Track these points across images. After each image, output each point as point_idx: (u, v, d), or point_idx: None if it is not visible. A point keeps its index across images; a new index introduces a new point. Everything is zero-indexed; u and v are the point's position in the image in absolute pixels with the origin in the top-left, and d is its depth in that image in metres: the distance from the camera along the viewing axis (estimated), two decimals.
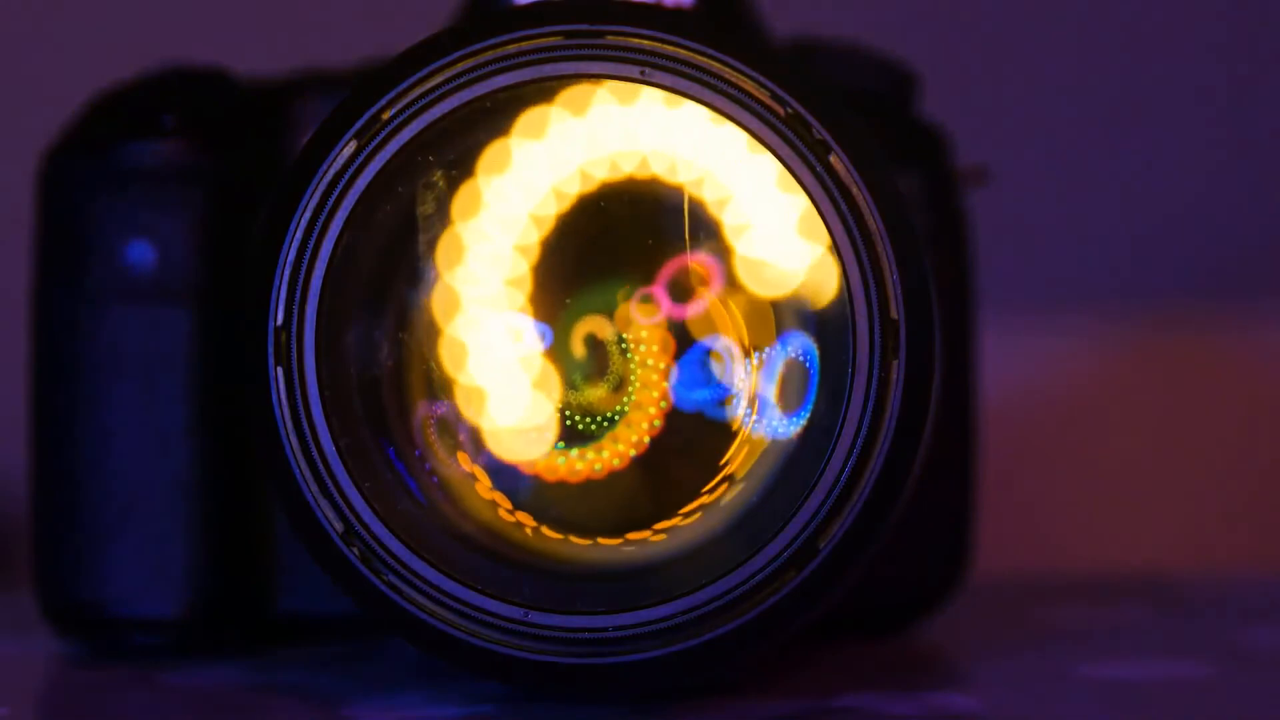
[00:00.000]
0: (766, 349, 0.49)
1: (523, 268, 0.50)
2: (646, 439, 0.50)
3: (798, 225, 0.49)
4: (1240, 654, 0.58)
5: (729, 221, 0.49)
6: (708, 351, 0.49)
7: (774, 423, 0.49)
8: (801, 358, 0.49)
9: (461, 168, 0.49)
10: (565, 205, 0.50)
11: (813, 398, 0.49)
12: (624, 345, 0.50)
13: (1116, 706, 0.51)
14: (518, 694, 0.50)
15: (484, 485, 0.50)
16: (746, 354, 0.49)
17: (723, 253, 0.49)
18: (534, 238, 0.50)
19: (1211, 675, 0.55)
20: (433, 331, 0.50)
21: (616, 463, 0.50)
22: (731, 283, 0.49)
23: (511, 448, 0.50)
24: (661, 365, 0.50)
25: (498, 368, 0.50)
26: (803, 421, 0.49)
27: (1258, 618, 0.65)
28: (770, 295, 0.49)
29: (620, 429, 0.50)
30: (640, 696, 0.49)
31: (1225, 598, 0.70)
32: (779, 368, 0.49)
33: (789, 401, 0.49)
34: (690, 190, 0.49)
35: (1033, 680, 0.54)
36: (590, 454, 0.50)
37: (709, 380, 0.49)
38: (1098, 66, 1.09)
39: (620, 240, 0.50)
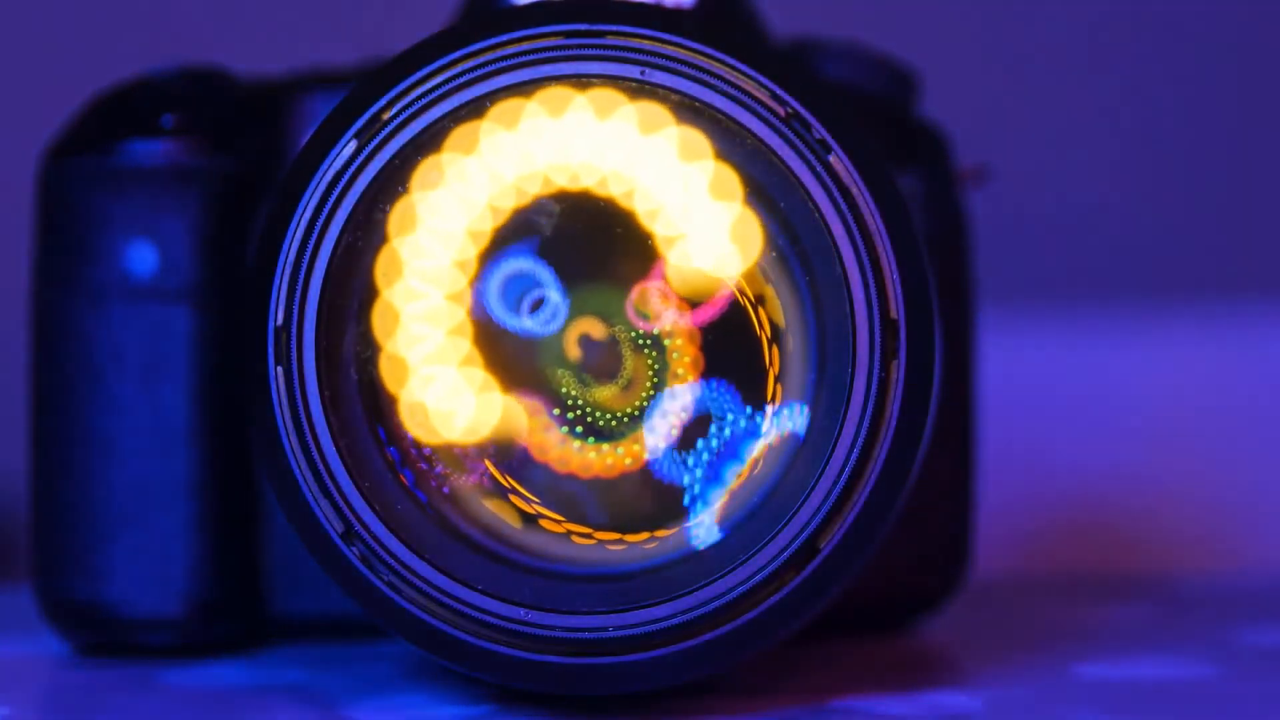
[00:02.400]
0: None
1: (461, 283, 0.50)
2: (663, 445, 0.49)
3: (709, 188, 0.48)
4: (1240, 654, 0.58)
5: (660, 232, 0.49)
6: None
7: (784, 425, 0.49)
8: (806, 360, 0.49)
9: (400, 183, 0.49)
10: (501, 220, 0.49)
11: (812, 398, 0.49)
12: (641, 342, 0.49)
13: (1116, 706, 0.51)
14: (517, 694, 0.50)
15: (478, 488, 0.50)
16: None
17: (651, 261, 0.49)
18: (471, 252, 0.50)
19: (1211, 675, 0.55)
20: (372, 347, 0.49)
21: (629, 462, 0.50)
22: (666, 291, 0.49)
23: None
24: (690, 375, 0.49)
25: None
26: (804, 423, 0.49)
27: (1258, 618, 0.65)
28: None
29: (643, 431, 0.49)
30: (640, 696, 0.49)
31: (1225, 598, 0.70)
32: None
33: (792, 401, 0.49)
34: (641, 221, 0.49)
35: (1033, 680, 0.54)
36: (607, 451, 0.49)
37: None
38: (1097, 66, 1.09)
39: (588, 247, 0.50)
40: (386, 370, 0.49)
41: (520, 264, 0.49)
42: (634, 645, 0.47)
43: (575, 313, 0.50)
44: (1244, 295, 1.05)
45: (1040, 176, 1.07)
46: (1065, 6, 1.09)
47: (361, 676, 0.54)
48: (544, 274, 0.50)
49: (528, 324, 0.49)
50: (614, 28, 0.48)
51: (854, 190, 0.47)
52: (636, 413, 0.49)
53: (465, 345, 0.50)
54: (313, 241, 0.48)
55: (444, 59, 0.48)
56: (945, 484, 0.58)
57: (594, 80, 0.48)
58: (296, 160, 0.48)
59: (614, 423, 0.50)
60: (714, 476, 0.49)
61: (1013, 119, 1.07)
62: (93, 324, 0.55)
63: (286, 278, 0.48)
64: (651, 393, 0.49)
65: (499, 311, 0.49)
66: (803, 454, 0.48)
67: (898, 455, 0.47)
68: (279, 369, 0.48)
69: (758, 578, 0.47)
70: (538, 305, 0.49)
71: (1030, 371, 1.01)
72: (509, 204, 0.49)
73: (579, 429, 0.49)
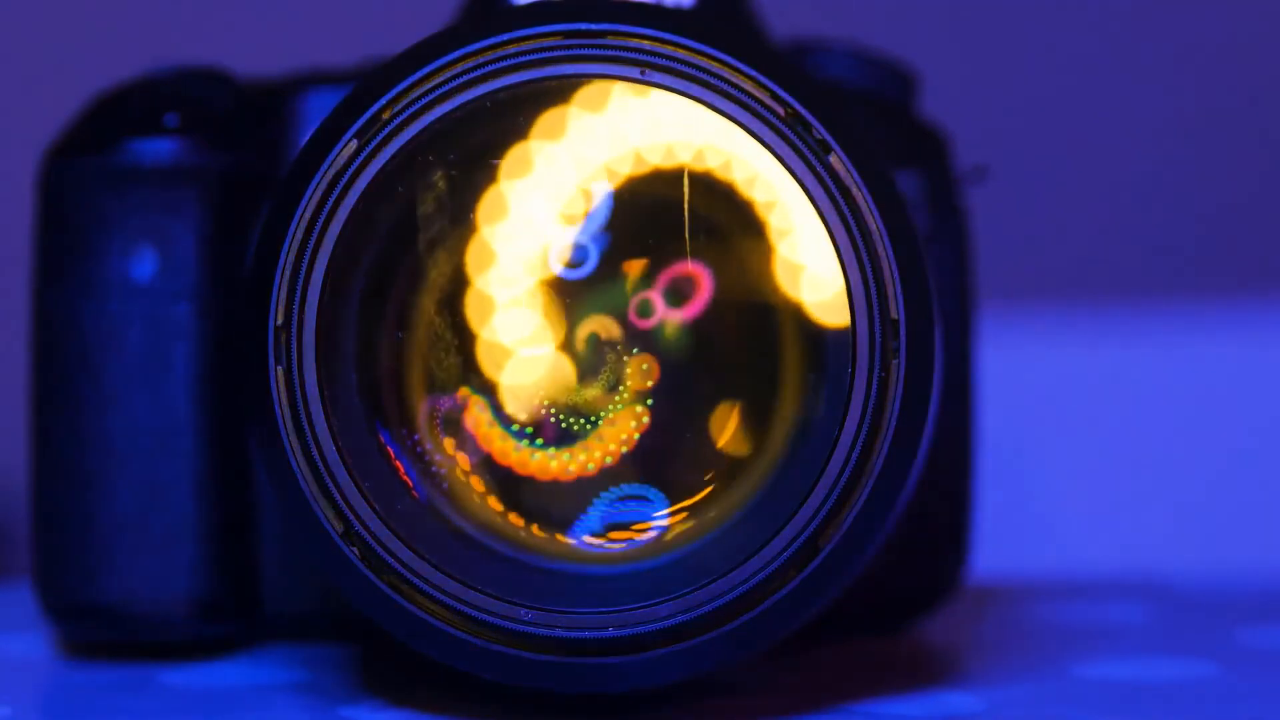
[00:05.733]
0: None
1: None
2: (636, 435, 0.49)
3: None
4: (1240, 654, 0.58)
5: (775, 223, 0.49)
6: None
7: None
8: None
9: (481, 172, 0.49)
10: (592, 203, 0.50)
11: (812, 399, 0.49)
12: (628, 348, 0.49)
13: (1116, 706, 0.51)
14: (517, 694, 0.50)
15: (478, 488, 0.50)
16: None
17: (764, 253, 0.49)
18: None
19: (1211, 675, 0.55)
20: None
21: (609, 460, 0.50)
22: (771, 285, 0.49)
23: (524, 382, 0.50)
24: (646, 369, 0.49)
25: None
26: (803, 423, 0.49)
27: (1258, 618, 0.65)
28: (808, 301, 0.49)
29: (604, 428, 0.49)
30: (640, 696, 0.49)
31: (1225, 598, 0.70)
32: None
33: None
34: (741, 189, 0.49)
35: (1033, 680, 0.54)
36: (581, 454, 0.49)
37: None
38: (1098, 65, 1.09)
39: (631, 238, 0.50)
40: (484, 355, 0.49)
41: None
42: (634, 645, 0.47)
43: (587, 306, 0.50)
44: (1245, 294, 1.05)
45: (1040, 176, 1.07)
46: (1065, 6, 1.09)
47: (361, 677, 0.54)
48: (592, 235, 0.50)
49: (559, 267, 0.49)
50: (614, 28, 0.48)
51: (854, 190, 0.47)
52: (605, 414, 0.50)
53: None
54: (313, 241, 0.48)
55: (444, 59, 0.48)
56: (945, 484, 0.58)
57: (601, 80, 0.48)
58: (297, 160, 0.48)
59: (586, 425, 0.50)
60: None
61: (1013, 119, 1.07)
62: (93, 324, 0.55)
63: (286, 278, 0.48)
64: (628, 397, 0.49)
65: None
66: (803, 454, 0.48)
67: (898, 455, 0.47)
68: (279, 369, 0.48)
69: (758, 578, 0.47)
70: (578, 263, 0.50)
71: (1030, 371, 1.01)
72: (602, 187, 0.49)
73: (540, 440, 0.50)
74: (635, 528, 0.49)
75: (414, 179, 0.49)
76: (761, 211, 0.49)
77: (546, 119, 0.49)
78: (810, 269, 0.49)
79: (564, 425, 0.50)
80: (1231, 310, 1.04)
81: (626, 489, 0.49)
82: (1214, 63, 1.09)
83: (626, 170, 0.49)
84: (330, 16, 1.05)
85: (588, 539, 0.50)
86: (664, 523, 0.49)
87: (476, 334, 0.50)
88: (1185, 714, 0.51)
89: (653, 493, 0.49)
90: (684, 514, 0.49)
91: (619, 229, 0.49)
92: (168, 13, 1.07)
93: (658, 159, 0.49)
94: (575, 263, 0.49)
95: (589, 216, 0.49)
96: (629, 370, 0.49)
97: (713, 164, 0.49)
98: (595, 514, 0.49)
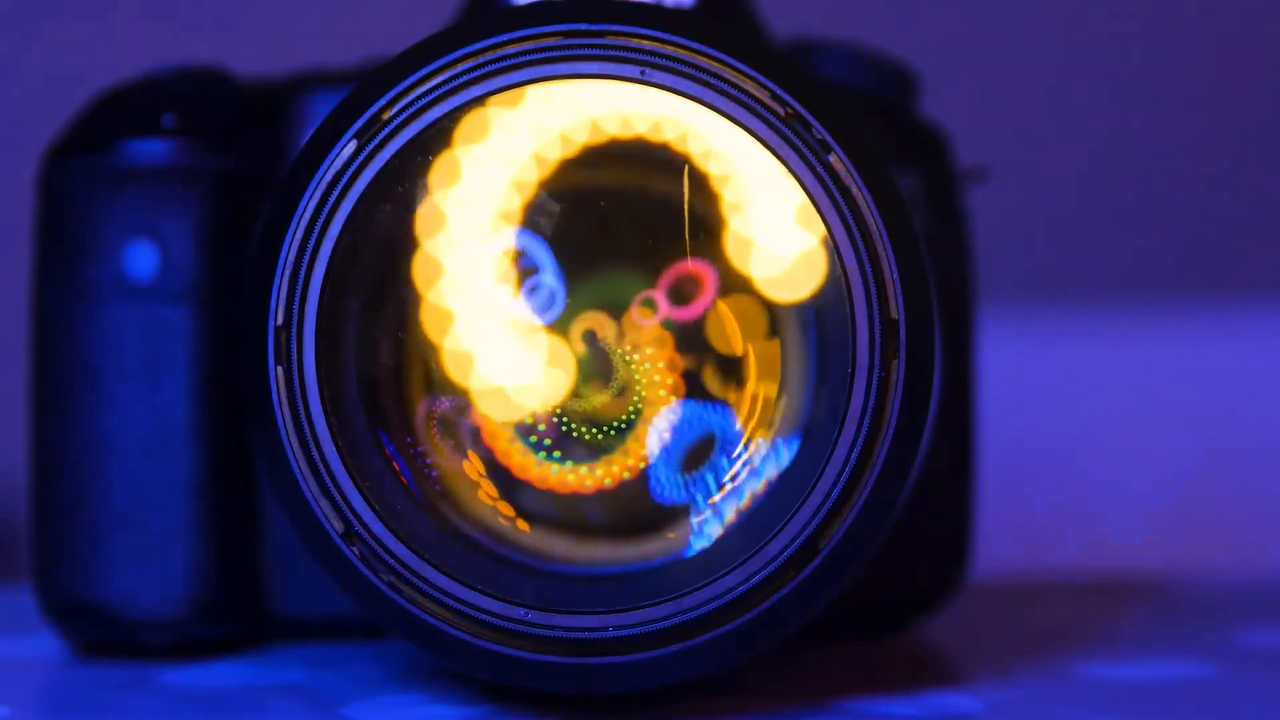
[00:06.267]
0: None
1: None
2: (657, 449, 0.49)
3: (796, 214, 0.48)
4: (1240, 654, 0.58)
5: (728, 197, 0.49)
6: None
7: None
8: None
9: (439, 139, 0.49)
10: (547, 172, 0.49)
11: (811, 400, 0.49)
12: (624, 351, 0.49)
13: (1116, 706, 0.51)
14: (517, 694, 0.50)
15: (477, 488, 0.50)
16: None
17: (717, 226, 0.49)
18: (516, 204, 0.49)
19: (1211, 675, 0.55)
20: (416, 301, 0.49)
21: (628, 475, 0.49)
22: (721, 263, 0.49)
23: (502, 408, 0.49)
24: (669, 378, 0.49)
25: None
26: (802, 423, 0.49)
27: (1258, 618, 0.65)
28: (757, 277, 0.49)
29: (630, 442, 0.49)
30: (640, 696, 0.49)
31: (1225, 598, 0.70)
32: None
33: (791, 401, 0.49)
34: (697, 162, 0.49)
35: (1033, 680, 0.54)
36: (600, 469, 0.49)
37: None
38: (1099, 65, 1.09)
39: (617, 224, 0.50)
40: (429, 320, 0.49)
41: (522, 241, 0.49)
42: (634, 645, 0.47)
43: (580, 304, 0.50)
44: (1246, 294, 1.05)
45: (1040, 176, 1.07)
46: (1065, 6, 1.09)
47: (361, 676, 0.54)
48: (541, 255, 0.49)
49: (523, 304, 0.49)
50: (614, 28, 0.48)
51: (854, 190, 0.47)
52: (624, 424, 0.49)
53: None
54: (313, 241, 0.48)
55: (444, 59, 0.48)
56: (945, 484, 0.58)
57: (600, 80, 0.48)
58: (296, 160, 0.48)
59: (600, 436, 0.49)
60: (716, 513, 0.49)
61: (1013, 119, 1.07)
62: (92, 324, 0.55)
63: (286, 278, 0.48)
64: (640, 402, 0.49)
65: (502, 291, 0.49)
66: (803, 454, 0.48)
67: (898, 455, 0.47)
68: (279, 369, 0.48)
69: (758, 578, 0.47)
70: (532, 288, 0.49)
71: (1030, 371, 1.01)
72: (555, 155, 0.49)
73: (556, 454, 0.49)
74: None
75: (414, 179, 0.49)
76: (715, 185, 0.49)
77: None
78: (761, 244, 0.49)
79: (576, 434, 0.49)
80: (1231, 310, 1.04)
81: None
82: (1214, 62, 1.09)
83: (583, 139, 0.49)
84: (330, 16, 1.05)
85: (589, 539, 0.50)
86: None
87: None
88: (1185, 714, 0.51)
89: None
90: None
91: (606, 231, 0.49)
92: (168, 13, 1.07)
93: (615, 129, 0.49)
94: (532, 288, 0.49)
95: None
96: (648, 376, 0.49)
97: (670, 136, 0.49)
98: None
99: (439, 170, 0.49)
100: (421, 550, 0.48)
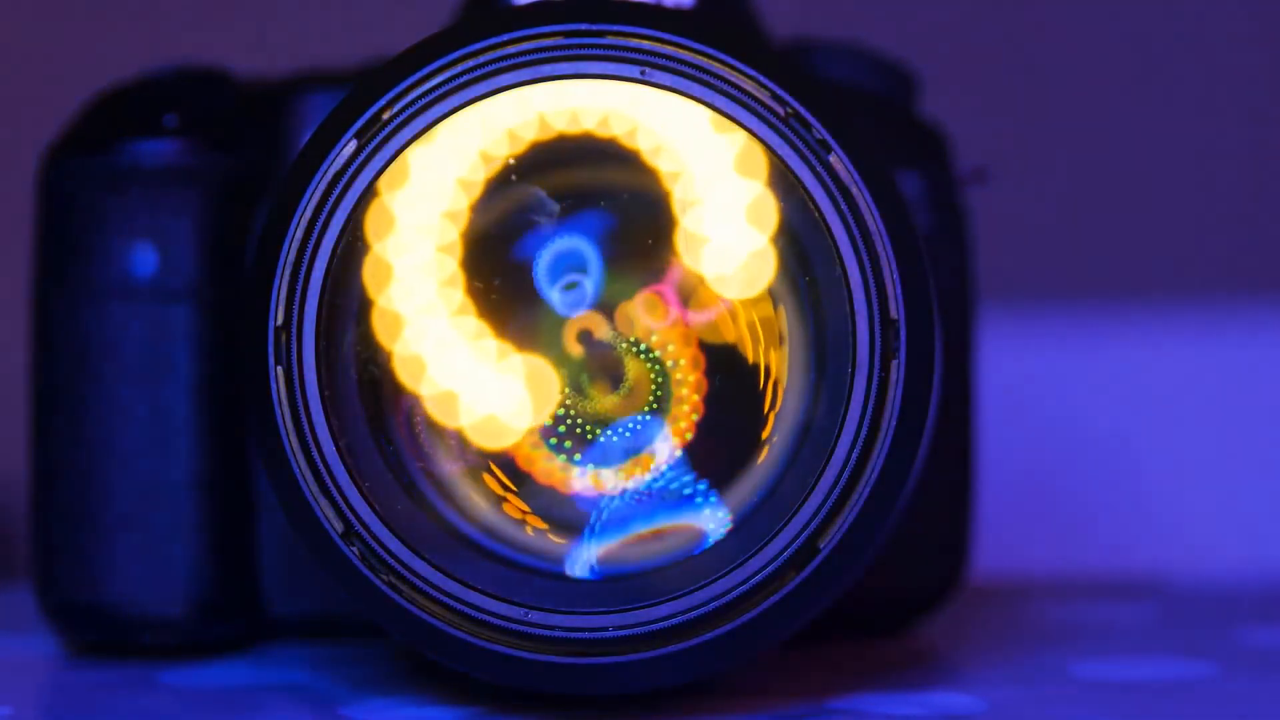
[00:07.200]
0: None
1: (452, 234, 0.49)
2: (679, 452, 0.49)
3: (747, 211, 0.48)
4: (1240, 654, 0.58)
5: (678, 195, 0.49)
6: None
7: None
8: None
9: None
10: (494, 170, 0.49)
11: (811, 399, 0.49)
12: (641, 349, 0.49)
13: (1116, 706, 0.51)
14: (517, 694, 0.50)
15: (477, 488, 0.50)
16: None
17: (668, 224, 0.49)
18: (463, 203, 0.49)
19: (1211, 675, 0.55)
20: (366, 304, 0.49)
21: (641, 475, 0.49)
22: (670, 253, 0.49)
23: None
24: (692, 378, 0.49)
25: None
26: (802, 423, 0.49)
27: (1258, 618, 0.65)
28: (709, 275, 0.49)
29: (644, 442, 0.49)
30: (640, 696, 0.49)
31: (1225, 598, 0.70)
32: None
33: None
34: (646, 159, 0.49)
35: (1033, 680, 0.54)
36: (620, 472, 0.49)
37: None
38: (1099, 65, 1.09)
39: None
40: (379, 324, 0.49)
41: (572, 242, 0.49)
42: (634, 645, 0.47)
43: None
44: (1249, 294, 1.05)
45: (1041, 176, 1.07)
46: (1065, 6, 1.09)
47: (361, 677, 0.54)
48: (590, 255, 0.49)
49: (555, 297, 0.49)
50: (614, 28, 0.48)
51: (854, 190, 0.47)
52: (638, 425, 0.49)
53: (458, 296, 0.49)
54: (313, 241, 0.48)
55: (444, 59, 0.48)
56: (945, 484, 0.58)
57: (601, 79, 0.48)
58: (296, 160, 0.48)
59: (614, 438, 0.49)
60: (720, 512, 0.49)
61: (1013, 119, 1.07)
62: (93, 324, 0.55)
63: (286, 278, 0.48)
64: (653, 403, 0.49)
65: (543, 281, 0.49)
66: (803, 454, 0.48)
67: (898, 455, 0.47)
68: (279, 369, 0.48)
69: (758, 578, 0.47)
70: (572, 285, 0.49)
71: (1030, 371, 1.01)
72: (503, 152, 0.49)
73: (577, 456, 0.49)
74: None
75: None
76: (666, 182, 0.49)
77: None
78: (715, 242, 0.49)
79: (590, 436, 0.49)
80: (1231, 310, 1.04)
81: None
82: (1214, 61, 1.09)
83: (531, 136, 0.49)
84: (330, 16, 1.05)
85: (589, 538, 0.50)
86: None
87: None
88: (1185, 714, 0.51)
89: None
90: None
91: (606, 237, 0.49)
92: (168, 13, 1.07)
93: (564, 124, 0.49)
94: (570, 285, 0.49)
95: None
96: (670, 374, 0.49)
97: (618, 131, 0.49)
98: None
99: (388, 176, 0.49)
100: (421, 550, 0.48)
